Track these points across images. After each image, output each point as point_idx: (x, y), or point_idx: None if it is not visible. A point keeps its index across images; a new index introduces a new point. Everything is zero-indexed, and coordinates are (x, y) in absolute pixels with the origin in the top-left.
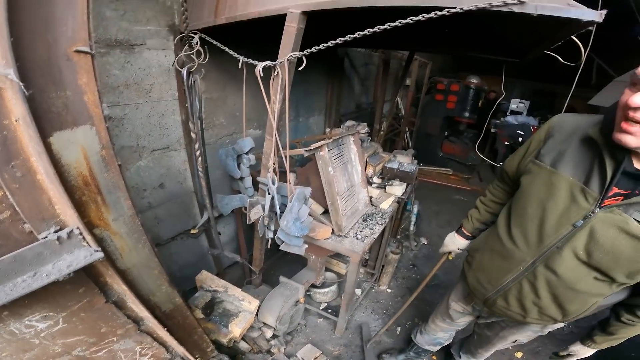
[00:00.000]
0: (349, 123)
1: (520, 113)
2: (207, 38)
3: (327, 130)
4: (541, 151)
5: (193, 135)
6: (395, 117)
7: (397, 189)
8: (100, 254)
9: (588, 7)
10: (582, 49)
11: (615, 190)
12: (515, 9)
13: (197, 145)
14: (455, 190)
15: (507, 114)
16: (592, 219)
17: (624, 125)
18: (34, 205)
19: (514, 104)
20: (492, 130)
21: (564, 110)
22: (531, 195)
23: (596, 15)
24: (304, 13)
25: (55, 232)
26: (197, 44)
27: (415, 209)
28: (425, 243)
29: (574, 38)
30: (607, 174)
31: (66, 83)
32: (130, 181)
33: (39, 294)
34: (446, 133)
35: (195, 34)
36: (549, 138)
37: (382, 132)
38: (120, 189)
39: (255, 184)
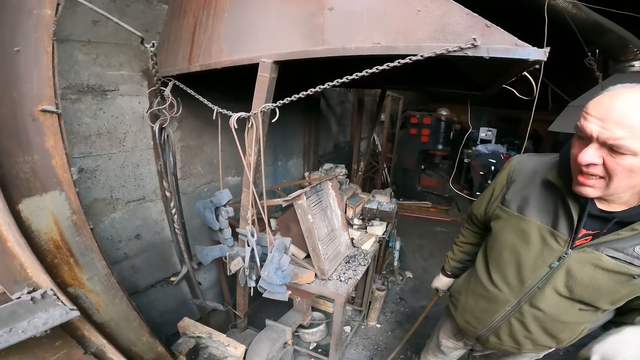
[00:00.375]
0: (327, 166)
1: (489, 141)
2: (182, 86)
3: (306, 174)
4: (506, 197)
5: (168, 194)
6: (373, 153)
7: (378, 229)
8: (76, 313)
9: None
10: (534, 84)
11: (583, 231)
12: (470, 52)
13: (172, 204)
14: (436, 223)
15: (478, 142)
16: (567, 260)
17: (581, 179)
18: (6, 270)
19: (483, 133)
20: (466, 160)
21: (527, 135)
22: (505, 242)
23: (540, 54)
24: (276, 63)
25: (29, 292)
26: (169, 97)
27: (397, 245)
28: (411, 276)
29: (526, 74)
30: (574, 218)
31: (33, 146)
32: (104, 233)
33: (15, 347)
34: (422, 166)
35: (170, 80)
36: (511, 183)
37: (360, 173)
38: (93, 251)
39: (235, 234)
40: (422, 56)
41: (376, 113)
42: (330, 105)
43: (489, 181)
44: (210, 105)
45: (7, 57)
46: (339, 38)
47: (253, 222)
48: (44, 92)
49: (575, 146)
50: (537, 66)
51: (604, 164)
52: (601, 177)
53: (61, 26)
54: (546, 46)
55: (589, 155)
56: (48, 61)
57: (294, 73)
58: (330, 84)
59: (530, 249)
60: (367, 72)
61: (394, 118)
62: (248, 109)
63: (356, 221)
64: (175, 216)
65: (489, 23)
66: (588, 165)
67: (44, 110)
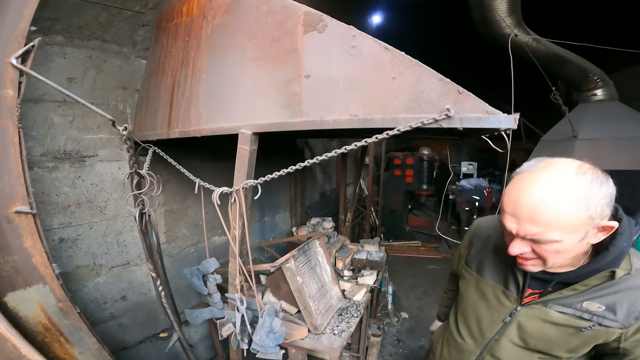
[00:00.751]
0: (314, 220)
1: (471, 175)
2: (162, 154)
3: (294, 229)
4: (468, 258)
5: (153, 275)
6: (360, 198)
7: (369, 279)
8: None
9: None
10: (508, 140)
11: (529, 291)
12: (444, 124)
13: (159, 282)
14: (427, 261)
15: (460, 177)
16: (517, 315)
17: (519, 260)
18: (1, 351)
19: (464, 167)
20: (451, 197)
21: (507, 165)
22: (468, 299)
23: (511, 122)
24: (255, 134)
25: None
26: (148, 175)
27: (390, 290)
28: (407, 317)
29: (502, 133)
30: (519, 280)
31: (12, 248)
32: (88, 296)
33: None
34: (409, 206)
35: (150, 146)
36: (472, 246)
37: (347, 223)
38: (82, 330)
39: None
40: (399, 130)
41: (361, 158)
42: (315, 154)
43: (475, 215)
44: (192, 177)
45: None
46: (316, 109)
47: (242, 289)
48: (16, 191)
49: (505, 236)
50: (508, 132)
51: (533, 250)
52: (536, 258)
53: (35, 84)
54: (514, 81)
55: (517, 248)
56: (16, 154)
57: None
58: (329, 154)
59: (487, 306)
60: (366, 142)
61: (378, 160)
62: (233, 166)
63: (346, 272)
64: (163, 292)
65: (460, 89)
66: (519, 251)
67: (18, 212)
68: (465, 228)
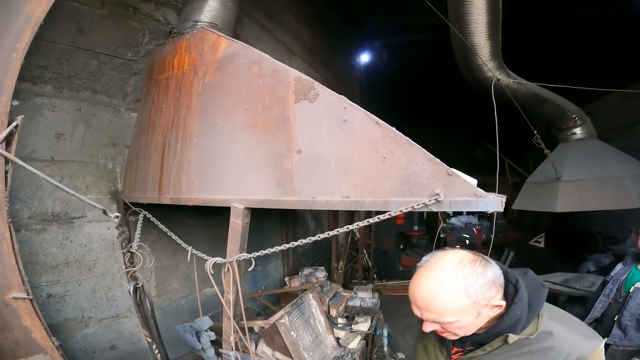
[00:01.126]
0: (307, 271)
1: (461, 212)
2: (153, 219)
3: (286, 279)
4: None
5: (149, 340)
6: (352, 242)
7: (363, 325)
8: None
9: None
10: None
11: (455, 349)
12: (434, 208)
13: (154, 346)
14: None
15: (451, 214)
16: None
17: (439, 331)
18: None
19: None
20: (442, 236)
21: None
22: (419, 352)
23: (498, 205)
24: (248, 209)
25: None
26: (139, 252)
27: (385, 332)
28: (403, 357)
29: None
30: (447, 340)
31: (12, 326)
32: (76, 346)
33: None
34: (402, 246)
35: (140, 211)
36: None
37: (340, 271)
38: None
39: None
40: (390, 215)
41: None
42: (305, 212)
43: None
44: (184, 245)
45: None
46: (308, 188)
47: (236, 345)
48: (12, 281)
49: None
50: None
51: (442, 326)
52: (447, 331)
53: (23, 141)
54: (497, 123)
55: (428, 327)
56: (9, 248)
57: None
58: (322, 235)
59: (431, 358)
60: (358, 225)
61: None
62: (221, 223)
63: (340, 320)
64: (159, 355)
65: (450, 170)
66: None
67: (15, 298)
68: None
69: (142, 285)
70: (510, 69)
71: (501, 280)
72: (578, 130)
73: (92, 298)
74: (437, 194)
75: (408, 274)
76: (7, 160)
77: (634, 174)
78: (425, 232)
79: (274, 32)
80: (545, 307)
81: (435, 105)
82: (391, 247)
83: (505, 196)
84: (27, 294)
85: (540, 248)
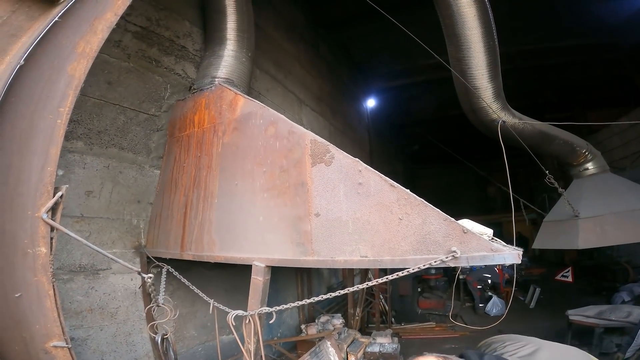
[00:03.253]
0: (324, 319)
1: None
2: (176, 274)
3: (302, 326)
4: None
5: None
6: (368, 287)
7: None
8: None
9: None
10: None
11: None
12: (451, 264)
13: None
14: (443, 341)
15: None
16: None
17: None
18: None
19: None
20: (461, 277)
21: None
22: None
23: (515, 258)
24: (268, 267)
25: None
26: (164, 304)
27: None
28: None
29: None
30: None
31: None
32: None
33: None
34: (419, 289)
35: (163, 266)
36: None
37: (357, 317)
38: None
39: None
40: (408, 271)
41: None
42: None
43: (488, 292)
44: (206, 298)
45: (10, 301)
46: (327, 249)
47: None
48: (52, 331)
49: None
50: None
51: None
52: None
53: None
54: (507, 164)
55: None
56: (51, 304)
57: None
58: (342, 291)
59: None
60: (377, 282)
61: None
62: (239, 274)
63: None
64: None
65: (465, 228)
66: None
67: (55, 346)
68: (480, 305)
69: (168, 337)
70: (513, 107)
71: None
72: (590, 165)
73: (112, 343)
74: (454, 251)
75: (428, 316)
76: (52, 228)
77: None
78: (443, 274)
79: (284, 82)
80: None
81: (444, 146)
82: (408, 292)
83: (521, 249)
84: (66, 343)
85: (569, 282)
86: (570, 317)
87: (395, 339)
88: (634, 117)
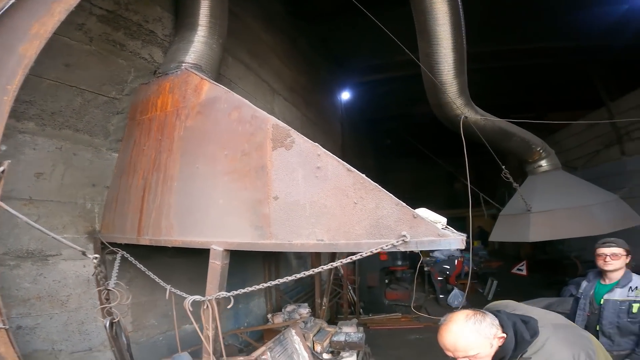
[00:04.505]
0: (290, 308)
1: None
2: (131, 259)
3: (269, 315)
4: None
5: None
6: (336, 278)
7: None
8: None
9: None
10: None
11: None
12: (401, 248)
13: None
14: (409, 331)
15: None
16: None
17: None
18: None
19: None
20: (425, 269)
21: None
22: None
23: (459, 243)
24: (227, 250)
25: None
26: (116, 289)
27: None
28: None
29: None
30: None
31: None
32: None
33: None
34: (387, 281)
35: (118, 250)
36: None
37: (324, 307)
38: None
39: None
40: (362, 255)
41: None
42: None
43: (449, 284)
44: (162, 284)
45: None
46: (285, 232)
47: None
48: None
49: None
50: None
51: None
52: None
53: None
54: (468, 158)
55: None
56: None
57: None
58: (307, 272)
59: None
60: (332, 265)
61: None
62: (205, 261)
63: (325, 355)
64: None
65: (415, 213)
66: None
67: None
68: (441, 296)
69: (118, 321)
70: (482, 106)
71: (496, 321)
72: (544, 163)
73: (63, 331)
74: (404, 236)
75: (394, 307)
76: None
77: (600, 202)
78: (409, 266)
79: (258, 72)
80: (551, 329)
81: (415, 141)
82: (376, 283)
83: (465, 235)
84: (3, 324)
85: (523, 276)
86: None
87: (361, 329)
88: (591, 119)
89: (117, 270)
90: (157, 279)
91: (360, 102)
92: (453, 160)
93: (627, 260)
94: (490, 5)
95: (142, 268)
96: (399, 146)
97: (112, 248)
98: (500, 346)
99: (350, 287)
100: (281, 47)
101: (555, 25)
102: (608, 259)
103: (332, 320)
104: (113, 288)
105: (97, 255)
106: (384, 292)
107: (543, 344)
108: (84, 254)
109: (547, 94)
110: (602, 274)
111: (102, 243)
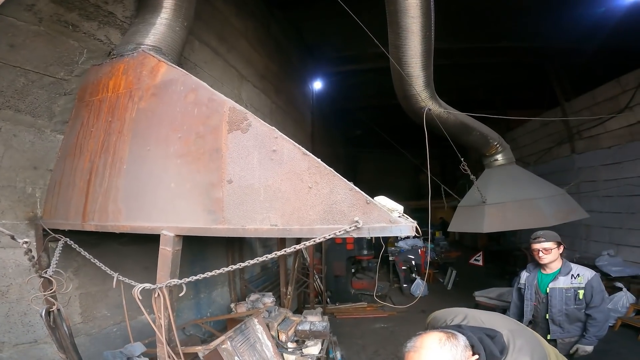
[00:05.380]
0: (254, 297)
1: (408, 236)
2: (75, 246)
3: (232, 305)
4: None
5: None
6: (303, 267)
7: (314, 349)
8: None
9: None
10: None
11: None
12: (354, 234)
13: None
14: (374, 320)
15: (398, 238)
16: None
17: None
18: None
19: None
20: (390, 258)
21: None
22: None
23: (409, 230)
24: (178, 236)
25: None
26: (53, 277)
27: (339, 355)
28: None
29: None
30: None
31: None
32: None
33: None
34: (353, 270)
35: (60, 238)
36: None
37: (289, 295)
38: None
39: None
40: (315, 241)
41: None
42: None
43: (413, 274)
44: (109, 272)
45: None
46: (238, 217)
47: None
48: None
49: None
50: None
51: None
52: None
53: None
54: (430, 150)
55: None
56: None
57: None
58: (269, 255)
59: None
60: (285, 251)
61: None
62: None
63: (290, 345)
64: None
65: (368, 199)
66: None
67: None
68: (404, 285)
69: (57, 309)
70: (446, 101)
71: (467, 342)
72: (499, 157)
73: (5, 323)
74: (357, 222)
75: (360, 296)
76: None
77: (547, 196)
78: (375, 255)
79: (226, 57)
80: (510, 338)
81: (384, 133)
82: (342, 272)
83: (415, 222)
84: None
85: (479, 266)
86: (477, 298)
87: (326, 317)
88: (545, 117)
89: (57, 258)
90: (103, 267)
91: (331, 92)
92: (419, 152)
93: (560, 251)
94: (460, 2)
95: (87, 255)
96: (368, 137)
97: (54, 235)
98: None
99: (317, 276)
100: (252, 33)
101: (523, 27)
102: (541, 253)
103: (300, 310)
104: (51, 276)
105: (27, 240)
106: (350, 282)
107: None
108: (12, 237)
109: (508, 92)
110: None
111: (44, 229)
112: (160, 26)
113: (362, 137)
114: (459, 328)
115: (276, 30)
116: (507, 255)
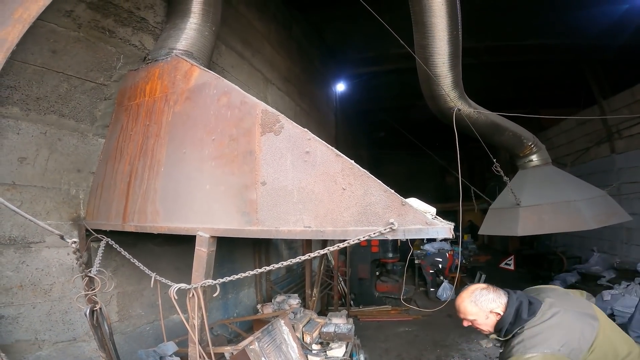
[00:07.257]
0: (280, 298)
1: (434, 239)
2: (116, 246)
3: (259, 306)
4: None
5: None
6: (327, 270)
7: (338, 351)
8: None
9: None
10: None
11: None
12: (389, 236)
13: None
14: (398, 324)
15: (424, 241)
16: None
17: (473, 326)
18: None
19: None
20: (416, 262)
21: (461, 232)
22: None
23: (447, 232)
24: (213, 237)
25: None
26: (98, 277)
27: (362, 358)
28: None
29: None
30: None
31: None
32: None
33: None
34: (377, 273)
35: (102, 237)
36: None
37: (314, 298)
38: None
39: None
40: (349, 242)
41: None
42: None
43: (441, 276)
44: (147, 271)
45: None
46: (272, 218)
47: None
48: None
49: None
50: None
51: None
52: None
53: None
54: (460, 151)
55: (464, 323)
56: None
57: None
58: (293, 260)
59: None
60: (319, 252)
61: None
62: (192, 249)
63: (314, 346)
64: None
65: (404, 201)
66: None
67: None
68: (432, 289)
69: (100, 309)
70: (476, 101)
71: (500, 300)
72: (534, 157)
73: (47, 321)
74: (392, 223)
75: (385, 299)
76: None
77: (587, 198)
78: (400, 258)
79: (251, 61)
80: (559, 313)
81: (408, 134)
82: (366, 275)
83: (453, 224)
84: None
85: (510, 270)
86: None
87: (350, 320)
88: (582, 116)
89: (100, 257)
90: (142, 267)
91: (354, 93)
92: (445, 153)
93: None
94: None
95: (127, 255)
96: (392, 138)
97: (96, 235)
98: (497, 320)
99: (341, 279)
100: (275, 36)
101: (551, 23)
102: None
103: (323, 312)
104: (95, 275)
105: (75, 240)
106: (375, 284)
107: (540, 324)
108: (62, 237)
109: (540, 91)
110: None
111: (87, 230)
112: (190, 31)
113: (386, 139)
114: (512, 292)
115: (298, 33)
116: (542, 260)
